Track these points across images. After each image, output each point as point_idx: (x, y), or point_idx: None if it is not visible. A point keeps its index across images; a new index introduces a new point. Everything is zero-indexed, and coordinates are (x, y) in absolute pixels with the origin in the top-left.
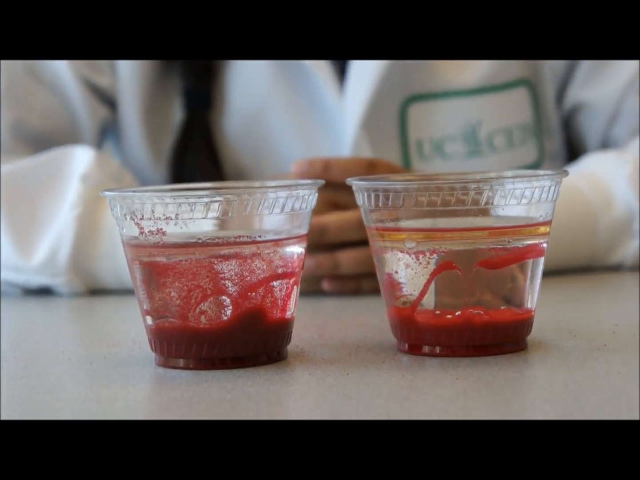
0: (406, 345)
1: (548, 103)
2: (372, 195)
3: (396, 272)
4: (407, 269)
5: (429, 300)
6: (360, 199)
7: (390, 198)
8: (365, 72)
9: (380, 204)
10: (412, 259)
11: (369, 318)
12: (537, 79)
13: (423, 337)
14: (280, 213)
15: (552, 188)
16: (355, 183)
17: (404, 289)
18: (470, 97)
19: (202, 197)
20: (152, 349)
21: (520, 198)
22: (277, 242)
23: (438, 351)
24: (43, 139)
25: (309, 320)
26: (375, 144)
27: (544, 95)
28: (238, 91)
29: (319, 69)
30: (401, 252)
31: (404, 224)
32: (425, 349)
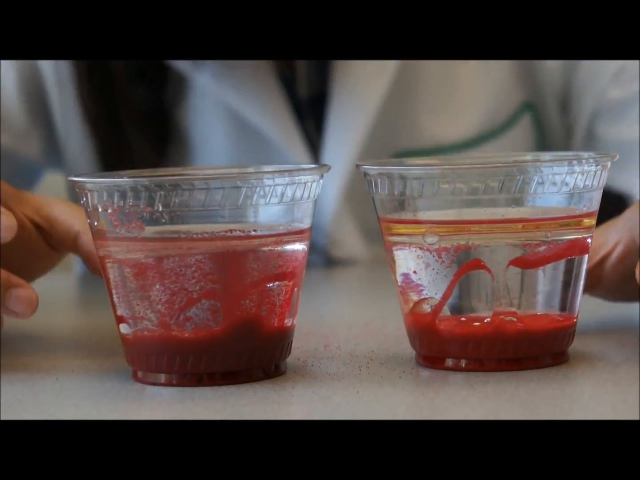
0: (426, 358)
1: (553, 118)
2: (387, 182)
3: (414, 272)
4: (427, 269)
5: (453, 305)
6: (372, 186)
7: (408, 185)
8: (344, 137)
9: (396, 192)
10: (434, 256)
11: (382, 326)
12: (539, 97)
13: (446, 349)
14: (279, 203)
15: (598, 174)
16: (366, 168)
17: (424, 292)
18: (468, 150)
19: (188, 185)
20: (128, 362)
21: (561, 185)
22: (275, 238)
23: (464, 365)
24: None
25: (312, 329)
26: (362, 212)
27: (548, 113)
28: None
29: (288, 141)
30: (420, 248)
31: (423, 215)
32: (449, 362)
